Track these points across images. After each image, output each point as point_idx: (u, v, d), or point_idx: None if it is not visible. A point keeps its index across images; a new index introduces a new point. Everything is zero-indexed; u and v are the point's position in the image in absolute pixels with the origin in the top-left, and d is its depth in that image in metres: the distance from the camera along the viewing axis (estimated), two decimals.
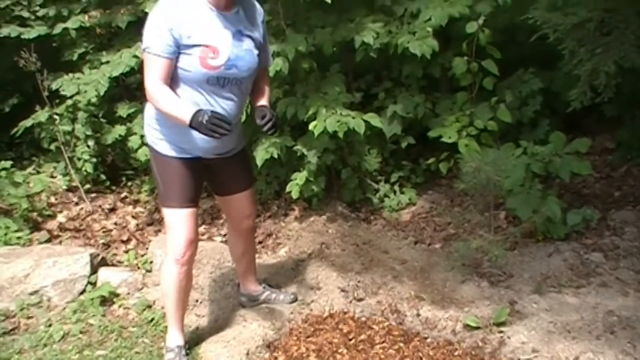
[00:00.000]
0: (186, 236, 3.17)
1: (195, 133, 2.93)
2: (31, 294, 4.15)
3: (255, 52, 3.11)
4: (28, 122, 5.90)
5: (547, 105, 5.05)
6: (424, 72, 5.01)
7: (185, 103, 2.93)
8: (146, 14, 5.03)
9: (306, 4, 4.71)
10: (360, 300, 3.85)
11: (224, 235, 4.99)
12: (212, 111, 2.84)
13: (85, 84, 5.62)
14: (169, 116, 2.94)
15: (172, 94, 2.93)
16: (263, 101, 3.25)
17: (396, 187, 5.12)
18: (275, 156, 4.70)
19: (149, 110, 3.17)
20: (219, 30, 2.97)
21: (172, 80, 2.96)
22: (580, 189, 4.84)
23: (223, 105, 3.06)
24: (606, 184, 4.90)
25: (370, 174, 5.08)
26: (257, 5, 3.20)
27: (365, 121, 4.49)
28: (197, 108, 2.86)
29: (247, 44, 3.06)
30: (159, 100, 2.92)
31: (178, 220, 3.16)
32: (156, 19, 2.89)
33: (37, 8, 6.63)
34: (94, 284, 4.30)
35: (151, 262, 4.59)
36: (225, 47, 2.97)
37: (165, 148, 3.13)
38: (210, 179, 3.44)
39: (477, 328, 3.43)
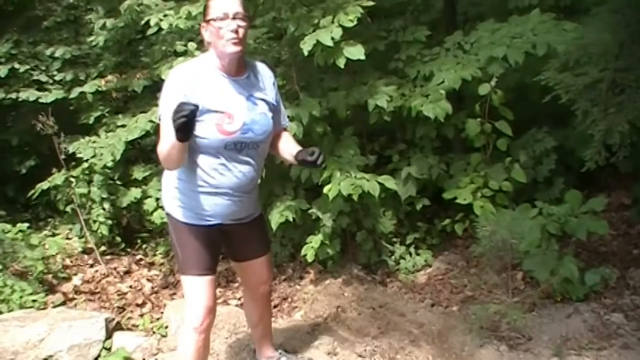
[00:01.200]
0: (205, 304, 3.14)
1: (215, 199, 3.01)
2: (46, 359, 4.12)
3: (270, 114, 3.14)
4: (45, 185, 5.97)
5: (562, 162, 5.03)
6: (437, 133, 5.03)
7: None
8: (161, 79, 5.16)
9: (319, 68, 4.76)
10: None
11: (240, 298, 4.96)
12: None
13: (102, 148, 5.69)
14: (171, 150, 2.87)
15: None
16: (298, 147, 3.25)
17: (412, 249, 5.10)
18: (290, 219, 4.71)
19: (168, 178, 3.19)
20: (233, 96, 3.01)
21: (190, 149, 2.97)
22: (597, 247, 4.79)
23: (241, 169, 3.07)
24: (624, 242, 4.85)
25: (386, 236, 5.07)
26: (267, 68, 3.25)
27: (379, 183, 4.50)
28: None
29: (261, 107, 3.09)
30: (162, 149, 2.90)
31: (197, 288, 3.15)
32: (171, 87, 2.94)
33: (55, 72, 6.80)
34: (109, 349, 4.27)
35: (166, 327, 4.56)
36: (240, 112, 3.00)
37: (184, 215, 3.13)
38: (228, 245, 3.43)
39: None
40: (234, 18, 2.91)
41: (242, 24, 2.93)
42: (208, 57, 3.03)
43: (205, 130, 2.94)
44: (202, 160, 3.01)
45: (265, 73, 3.21)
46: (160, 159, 2.97)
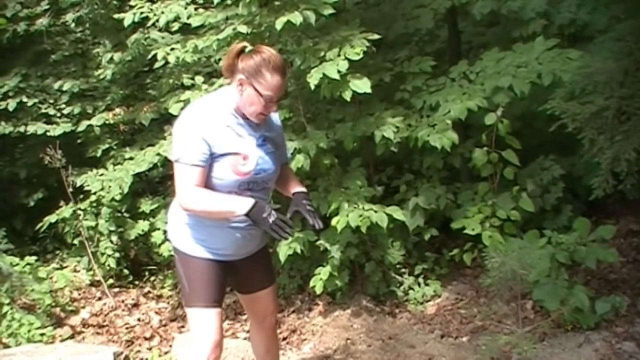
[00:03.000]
0: (213, 338, 3.10)
1: (226, 233, 3.03)
2: None
3: (277, 153, 3.16)
4: (52, 218, 6.00)
5: (569, 190, 5.02)
6: (444, 163, 5.04)
7: (230, 195, 2.95)
8: (169, 112, 5.21)
9: (326, 99, 4.78)
10: None
11: (248, 331, 4.94)
12: (274, 209, 2.88)
13: (109, 181, 5.72)
14: (217, 212, 2.94)
15: (210, 192, 2.93)
16: (297, 187, 3.26)
17: (420, 279, 5.06)
18: (299, 251, 4.70)
19: (176, 213, 3.17)
20: (246, 137, 3.02)
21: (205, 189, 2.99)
22: (607, 275, 4.76)
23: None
24: (633, 269, 4.81)
25: (394, 267, 5.05)
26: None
27: (387, 215, 4.50)
28: (244, 203, 2.89)
29: (270, 146, 3.11)
30: (200, 201, 2.92)
31: (204, 320, 3.11)
32: (186, 129, 2.92)
33: (63, 105, 6.85)
34: None
35: None
36: (253, 153, 3.01)
37: (192, 249, 3.12)
38: (235, 278, 3.41)
39: None
40: (277, 102, 2.97)
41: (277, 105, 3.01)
42: (224, 98, 3.02)
43: (221, 171, 2.96)
44: None
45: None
46: (186, 206, 2.97)
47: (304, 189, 3.26)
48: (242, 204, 2.88)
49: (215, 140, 2.90)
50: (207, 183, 2.97)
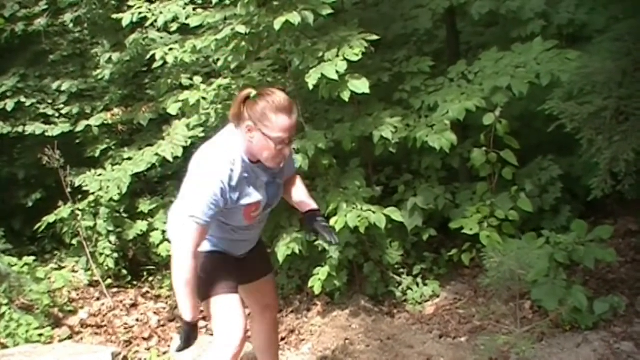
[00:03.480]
0: (241, 320, 3.07)
1: (232, 244, 3.15)
2: None
3: (284, 178, 3.23)
4: (51, 218, 5.99)
5: (568, 190, 5.02)
6: (442, 163, 5.04)
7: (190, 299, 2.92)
8: (167, 112, 5.21)
9: (324, 100, 4.78)
10: None
11: (248, 330, 4.94)
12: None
13: (108, 181, 5.72)
14: (176, 290, 2.93)
15: (194, 277, 2.90)
16: (307, 201, 3.30)
17: (419, 279, 5.06)
18: (297, 251, 4.70)
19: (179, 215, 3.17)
20: (260, 185, 3.04)
21: (213, 226, 3.02)
22: (605, 275, 4.76)
23: (258, 228, 3.26)
24: (632, 269, 4.81)
25: (393, 267, 5.05)
26: None
27: (386, 215, 4.51)
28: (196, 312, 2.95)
29: (279, 179, 3.16)
30: (182, 274, 2.88)
31: (230, 305, 3.09)
32: (209, 189, 2.84)
33: (61, 106, 6.85)
34: None
35: None
36: (264, 197, 3.06)
37: (204, 246, 3.12)
38: (236, 269, 3.44)
39: None
40: (289, 142, 2.93)
41: (292, 146, 3.00)
42: (236, 146, 2.95)
43: (232, 218, 3.01)
44: (219, 232, 3.13)
45: None
46: (175, 260, 2.90)
47: (314, 206, 3.30)
48: (187, 314, 2.91)
49: (232, 197, 2.91)
50: (219, 224, 3.06)
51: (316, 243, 4.82)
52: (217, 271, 3.14)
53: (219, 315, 3.12)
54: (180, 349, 2.98)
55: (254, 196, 2.99)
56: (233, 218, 3.00)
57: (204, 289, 3.13)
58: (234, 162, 2.90)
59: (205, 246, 3.14)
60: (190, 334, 2.94)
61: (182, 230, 2.88)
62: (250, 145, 2.91)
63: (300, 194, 3.33)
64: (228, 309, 3.09)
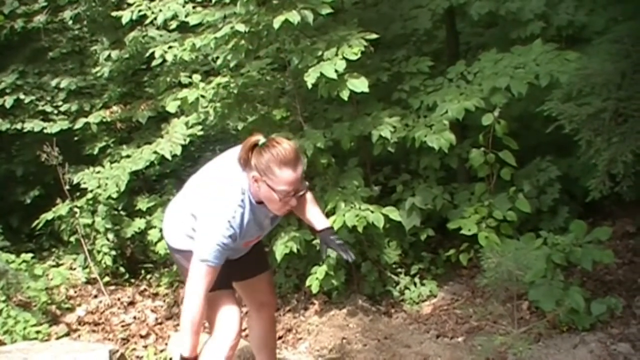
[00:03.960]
0: (237, 314, 3.13)
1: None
2: None
3: None
4: (49, 215, 6.00)
5: (566, 191, 5.02)
6: (441, 163, 5.03)
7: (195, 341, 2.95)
8: (166, 110, 5.21)
9: (323, 99, 4.78)
10: None
11: (245, 329, 4.94)
12: None
13: (106, 178, 5.72)
14: (182, 325, 2.96)
15: (202, 318, 2.94)
16: (319, 219, 3.28)
17: (416, 279, 5.07)
18: (295, 250, 4.70)
19: (181, 220, 3.14)
20: (262, 221, 3.06)
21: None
22: (602, 276, 4.76)
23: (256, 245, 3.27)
24: (629, 270, 4.82)
25: (390, 267, 5.05)
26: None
27: (384, 215, 4.51)
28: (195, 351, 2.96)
29: None
30: (191, 314, 2.90)
31: (225, 300, 3.12)
32: (220, 234, 2.86)
33: (60, 103, 6.84)
34: None
35: (170, 359, 4.53)
36: (268, 228, 3.14)
37: None
38: (230, 267, 3.44)
39: None
40: (295, 194, 2.90)
41: (299, 195, 2.94)
42: (247, 189, 2.95)
43: (234, 248, 3.00)
44: None
45: None
46: (188, 298, 2.93)
47: (327, 224, 3.29)
48: (186, 351, 2.92)
49: (241, 237, 2.96)
50: None
51: (314, 242, 4.82)
52: None
53: (214, 311, 3.15)
54: None
55: (256, 231, 3.05)
56: (234, 248, 3.01)
57: None
58: (242, 204, 2.92)
59: None
60: None
61: (195, 273, 2.90)
62: (257, 192, 2.92)
63: (313, 212, 3.30)
64: (223, 304, 3.13)
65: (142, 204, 6.02)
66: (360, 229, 4.44)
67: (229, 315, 3.12)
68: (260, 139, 2.90)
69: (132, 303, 5.82)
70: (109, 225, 5.99)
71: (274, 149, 2.83)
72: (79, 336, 5.22)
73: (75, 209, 5.97)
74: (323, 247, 3.20)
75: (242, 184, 2.94)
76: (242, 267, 3.40)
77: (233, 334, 3.09)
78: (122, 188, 5.59)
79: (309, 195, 3.32)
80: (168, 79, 5.74)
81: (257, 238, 3.16)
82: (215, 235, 2.86)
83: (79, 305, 5.77)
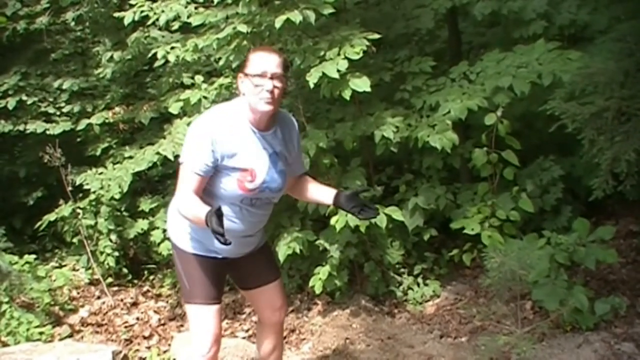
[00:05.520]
0: (212, 332, 3.15)
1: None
2: None
3: (289, 169, 3.19)
4: (52, 216, 6.00)
5: (569, 190, 5.02)
6: (444, 163, 5.03)
7: (203, 206, 2.88)
8: (168, 111, 5.21)
9: (326, 99, 4.78)
10: None
11: (247, 330, 4.95)
12: (216, 214, 2.71)
13: (109, 179, 5.71)
14: (191, 220, 2.95)
15: (198, 201, 2.91)
16: (330, 193, 3.26)
17: (420, 279, 5.06)
18: (298, 251, 4.70)
19: (175, 212, 3.15)
20: (258, 152, 3.03)
21: (209, 193, 3.02)
22: (606, 276, 4.75)
23: (252, 219, 3.14)
24: (633, 269, 4.81)
25: (393, 267, 5.04)
26: (293, 119, 3.26)
27: (387, 215, 4.51)
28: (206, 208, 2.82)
29: (281, 164, 3.12)
30: (182, 206, 2.96)
31: (203, 317, 3.15)
32: (199, 136, 2.93)
33: (63, 104, 6.85)
34: None
35: None
36: (262, 169, 3.03)
37: (190, 246, 3.15)
38: (237, 275, 3.43)
39: None
40: (271, 78, 2.90)
41: (279, 84, 2.93)
42: (240, 107, 3.02)
43: (227, 183, 2.99)
44: (218, 201, 3.03)
45: (290, 125, 3.22)
46: (178, 205, 3.01)
47: (334, 191, 3.25)
48: (203, 214, 2.76)
49: (226, 152, 2.93)
50: (214, 190, 3.02)
51: (316, 243, 4.82)
52: (201, 279, 3.15)
53: (193, 325, 3.22)
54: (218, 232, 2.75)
55: (250, 163, 2.99)
56: (228, 184, 2.99)
57: (186, 291, 3.22)
58: (232, 117, 2.98)
59: (193, 247, 3.15)
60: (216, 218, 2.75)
61: (179, 176, 2.99)
62: (248, 102, 2.96)
63: (317, 189, 3.32)
64: (201, 321, 3.16)
65: (145, 204, 6.02)
66: (363, 229, 4.45)
67: (205, 333, 3.15)
68: None
69: (135, 304, 5.82)
70: (111, 226, 5.98)
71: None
72: (82, 337, 5.21)
73: (78, 210, 5.97)
74: (350, 205, 3.14)
75: (237, 108, 3.02)
76: (249, 276, 3.41)
77: (205, 351, 3.15)
78: (125, 189, 5.58)
79: (308, 177, 3.37)
80: (170, 80, 5.74)
81: (252, 179, 3.00)
82: (199, 138, 2.93)
83: (82, 306, 5.77)
